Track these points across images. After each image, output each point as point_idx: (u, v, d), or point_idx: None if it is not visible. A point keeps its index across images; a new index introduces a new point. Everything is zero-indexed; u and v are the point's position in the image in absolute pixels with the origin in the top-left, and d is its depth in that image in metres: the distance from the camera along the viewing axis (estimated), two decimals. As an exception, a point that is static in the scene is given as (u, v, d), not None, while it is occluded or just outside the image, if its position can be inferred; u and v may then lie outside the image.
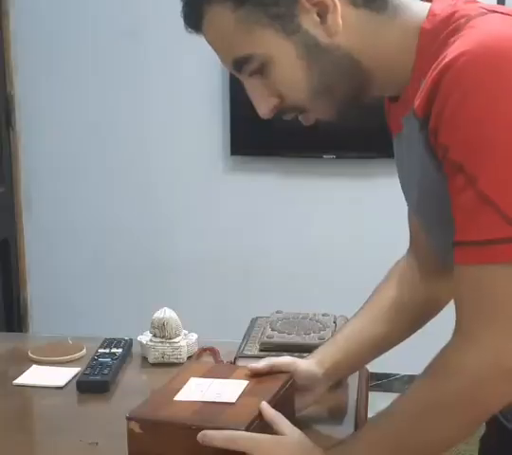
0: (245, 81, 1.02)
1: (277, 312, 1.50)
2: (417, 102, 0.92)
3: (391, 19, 0.98)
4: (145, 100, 3.29)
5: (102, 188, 3.39)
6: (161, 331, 1.47)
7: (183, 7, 1.01)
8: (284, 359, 1.18)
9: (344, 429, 1.19)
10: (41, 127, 3.38)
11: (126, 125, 3.32)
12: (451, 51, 0.88)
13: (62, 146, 3.38)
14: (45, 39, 3.31)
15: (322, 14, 0.95)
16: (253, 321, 1.50)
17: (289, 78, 0.98)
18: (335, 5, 0.95)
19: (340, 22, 0.95)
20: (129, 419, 1.03)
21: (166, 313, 1.49)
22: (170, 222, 3.36)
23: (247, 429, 0.99)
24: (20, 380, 1.38)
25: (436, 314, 1.26)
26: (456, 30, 0.92)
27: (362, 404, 1.32)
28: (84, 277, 3.46)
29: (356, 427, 1.22)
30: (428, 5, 0.98)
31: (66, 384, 1.37)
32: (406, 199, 1.14)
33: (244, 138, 3.23)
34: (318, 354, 1.22)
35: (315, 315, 1.48)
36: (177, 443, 1.01)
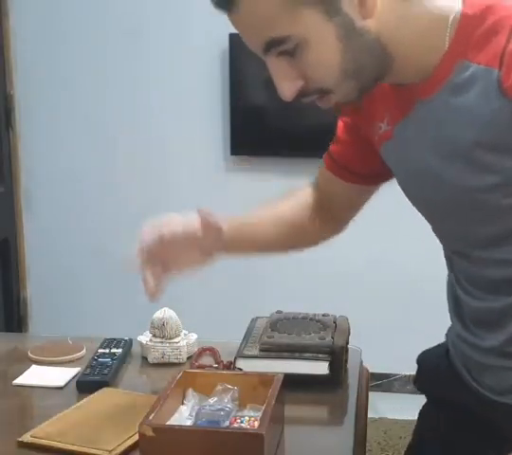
0: (269, 62, 1.01)
1: (277, 312, 1.49)
2: (509, 84, 0.93)
3: (416, 7, 1.00)
4: (145, 100, 3.29)
5: (102, 188, 3.39)
6: (161, 331, 1.47)
7: None
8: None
9: (344, 429, 1.19)
10: (41, 127, 3.38)
11: (126, 125, 3.32)
12: None
13: (62, 146, 3.38)
14: (45, 39, 3.30)
15: None
16: (253, 321, 1.50)
17: (323, 59, 0.99)
18: None
19: (378, 4, 0.97)
20: (140, 423, 1.02)
21: (166, 313, 1.49)
22: (170, 222, 3.35)
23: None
24: (20, 380, 1.38)
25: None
26: (508, 18, 0.95)
27: (362, 404, 1.32)
28: (84, 277, 3.46)
29: (357, 427, 1.22)
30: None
31: (66, 384, 1.37)
32: (407, 185, 1.16)
33: (244, 138, 3.23)
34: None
35: (315, 315, 1.47)
36: (190, 446, 1.01)
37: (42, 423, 1.17)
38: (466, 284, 1.16)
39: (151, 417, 1.04)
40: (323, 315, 1.47)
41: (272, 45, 0.98)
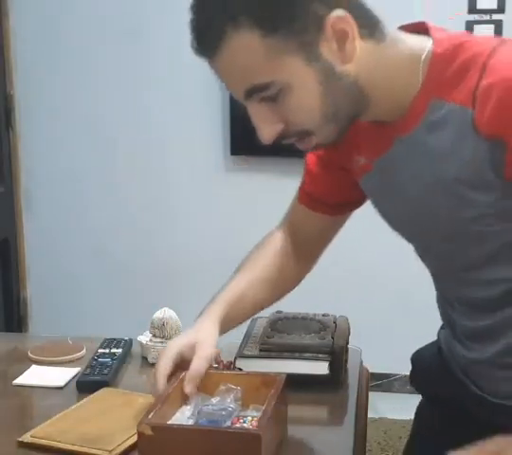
0: (250, 107, 1.03)
1: (277, 312, 1.49)
2: (483, 122, 0.96)
3: (390, 48, 1.04)
4: (145, 100, 3.29)
5: (102, 187, 3.39)
6: (161, 331, 1.47)
7: (197, 30, 1.02)
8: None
9: (344, 429, 1.19)
10: (41, 127, 3.38)
11: (126, 125, 3.32)
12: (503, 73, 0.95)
13: (62, 146, 3.38)
14: (44, 39, 3.31)
15: (341, 42, 0.99)
16: (253, 321, 1.50)
17: (305, 104, 1.01)
18: (353, 34, 0.99)
19: (357, 50, 1.00)
20: (139, 422, 1.03)
21: (166, 313, 1.49)
22: (170, 222, 3.35)
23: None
24: (20, 380, 1.38)
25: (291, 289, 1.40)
26: (479, 56, 0.99)
27: (362, 404, 1.32)
28: (84, 277, 3.46)
29: (357, 427, 1.22)
30: (422, 36, 1.06)
31: (66, 384, 1.37)
32: (390, 220, 1.20)
33: (244, 138, 3.23)
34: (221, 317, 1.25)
35: (315, 315, 1.47)
36: (188, 445, 1.01)
37: (42, 423, 1.17)
38: (453, 302, 1.19)
39: (150, 416, 1.04)
40: (323, 315, 1.47)
41: (254, 91, 1.01)
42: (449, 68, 1.01)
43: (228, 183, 3.29)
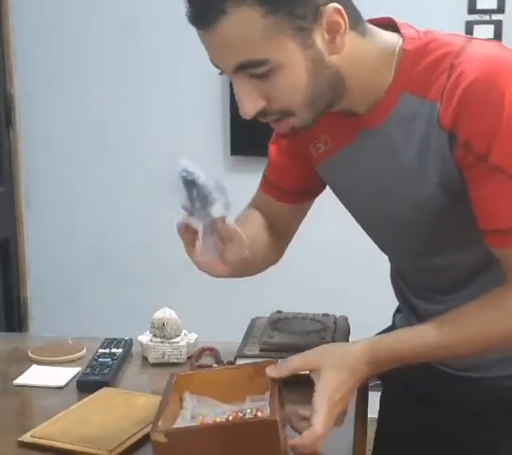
0: (237, 81, 1.06)
1: (277, 312, 1.50)
2: (446, 118, 1.04)
3: (368, 42, 1.09)
4: (145, 100, 3.29)
5: (102, 187, 3.39)
6: (161, 331, 1.47)
7: (196, 2, 1.01)
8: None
9: (344, 429, 1.19)
10: (41, 127, 3.38)
11: (126, 124, 3.32)
12: (468, 73, 1.02)
13: (62, 146, 3.38)
14: (44, 38, 3.30)
15: (332, 34, 1.03)
16: (253, 321, 1.50)
17: (292, 85, 1.04)
18: (345, 26, 1.03)
19: (346, 43, 1.04)
20: (152, 430, 1.01)
21: (166, 313, 1.49)
22: (170, 222, 3.34)
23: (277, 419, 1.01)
24: (20, 380, 1.38)
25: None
26: (448, 55, 1.05)
27: (362, 404, 1.32)
28: (84, 277, 3.46)
29: (357, 427, 1.22)
30: (392, 33, 1.11)
31: (66, 384, 1.37)
32: (348, 204, 1.28)
33: (244, 138, 3.23)
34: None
35: (315, 315, 1.48)
36: (205, 445, 1.00)
37: (42, 423, 1.17)
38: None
39: (160, 423, 1.03)
40: (323, 315, 1.48)
41: (246, 66, 1.03)
42: (419, 65, 1.08)
43: (228, 183, 3.26)
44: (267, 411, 1.05)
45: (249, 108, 1.06)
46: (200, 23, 1.02)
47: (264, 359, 1.32)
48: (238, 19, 0.99)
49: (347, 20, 1.03)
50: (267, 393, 1.11)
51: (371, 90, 1.10)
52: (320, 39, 1.03)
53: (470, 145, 1.03)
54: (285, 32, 1.00)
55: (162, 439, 0.99)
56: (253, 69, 1.03)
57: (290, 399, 1.17)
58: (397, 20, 1.14)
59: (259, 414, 1.08)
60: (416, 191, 1.12)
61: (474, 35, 2.98)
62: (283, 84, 1.04)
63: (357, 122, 1.14)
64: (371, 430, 1.38)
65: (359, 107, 1.13)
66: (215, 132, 3.25)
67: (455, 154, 1.05)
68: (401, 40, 1.10)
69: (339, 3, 1.02)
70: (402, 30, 1.11)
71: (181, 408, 1.14)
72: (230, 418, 1.10)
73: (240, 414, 1.10)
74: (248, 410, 1.11)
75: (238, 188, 3.63)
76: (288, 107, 1.07)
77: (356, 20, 1.06)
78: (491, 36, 2.98)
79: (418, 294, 1.30)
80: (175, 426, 1.09)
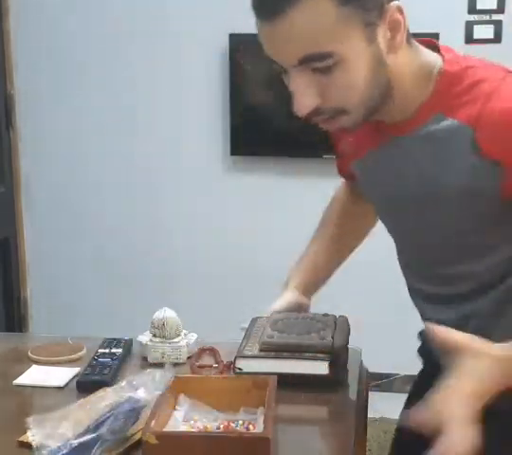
0: (296, 75, 1.04)
1: (277, 312, 1.49)
2: (486, 145, 1.05)
3: (414, 53, 1.10)
4: (146, 100, 3.29)
5: (102, 188, 3.39)
6: (161, 331, 1.47)
7: None
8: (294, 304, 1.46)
9: (344, 429, 1.19)
10: (41, 127, 3.38)
11: (126, 125, 3.32)
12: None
13: (62, 146, 3.38)
14: (44, 39, 3.31)
15: (393, 32, 1.04)
16: (253, 321, 1.50)
17: (352, 82, 1.04)
18: (405, 25, 1.04)
19: (404, 42, 1.05)
20: (143, 431, 1.02)
21: (166, 313, 1.49)
22: (170, 221, 3.35)
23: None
24: (20, 380, 1.38)
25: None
26: (486, 82, 1.07)
27: (362, 404, 1.32)
28: (84, 277, 3.46)
29: (356, 426, 1.22)
30: (436, 54, 1.13)
31: (66, 384, 1.37)
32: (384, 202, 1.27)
33: (244, 138, 3.23)
34: (300, 284, 1.53)
35: (315, 315, 1.47)
36: (195, 451, 1.00)
37: (42, 423, 1.17)
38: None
39: (152, 424, 1.03)
40: (323, 315, 1.47)
41: (311, 59, 1.01)
42: (457, 87, 1.09)
43: (227, 183, 3.29)
44: (261, 427, 1.05)
45: (306, 104, 1.04)
46: (270, 12, 0.99)
47: (265, 358, 1.32)
48: (312, 7, 0.98)
49: (406, 21, 1.04)
50: (261, 408, 1.11)
51: (407, 101, 1.11)
52: (382, 35, 1.03)
53: None
54: (355, 25, 1.00)
55: (153, 440, 1.00)
56: (317, 63, 1.01)
57: (290, 399, 1.17)
58: (439, 43, 1.15)
59: (250, 428, 1.09)
60: (430, 204, 1.14)
61: (474, 35, 2.98)
62: (343, 80, 1.03)
63: (389, 129, 1.15)
64: (371, 430, 1.38)
65: (392, 117, 1.13)
66: (215, 132, 3.25)
67: (505, 183, 1.06)
68: (441, 60, 1.11)
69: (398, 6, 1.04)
70: (443, 52, 1.13)
71: (174, 409, 1.14)
72: (221, 426, 1.10)
73: (232, 424, 1.11)
74: (240, 422, 1.11)
75: (238, 187, 3.62)
76: (344, 105, 1.06)
77: (407, 28, 1.07)
78: (491, 36, 2.98)
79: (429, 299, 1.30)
80: (167, 427, 1.09)
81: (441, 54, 1.13)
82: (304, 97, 1.04)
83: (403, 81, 1.09)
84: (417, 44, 1.12)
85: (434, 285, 1.26)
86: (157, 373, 1.15)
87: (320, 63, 1.01)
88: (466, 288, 1.20)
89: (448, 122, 1.09)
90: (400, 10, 1.03)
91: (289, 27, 0.99)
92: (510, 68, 1.13)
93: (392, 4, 1.03)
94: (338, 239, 1.57)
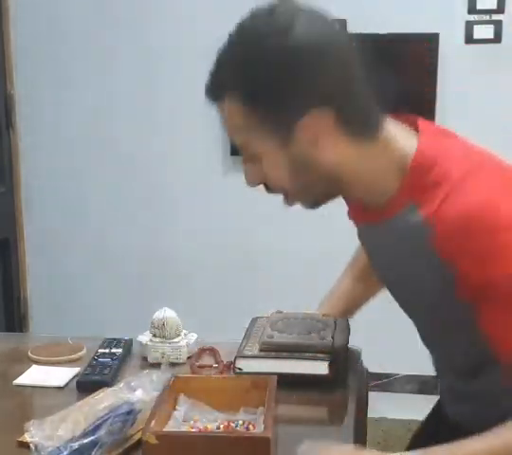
0: (242, 153, 1.12)
1: (277, 312, 1.50)
2: (440, 246, 1.02)
3: (379, 149, 1.07)
4: (145, 100, 3.29)
5: (102, 188, 3.39)
6: (161, 331, 1.47)
7: (208, 80, 1.09)
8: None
9: (344, 429, 1.19)
10: (41, 127, 3.38)
11: (126, 125, 3.32)
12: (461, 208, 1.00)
13: (62, 146, 3.38)
14: (45, 39, 3.30)
15: (318, 136, 1.04)
16: (253, 321, 1.50)
17: (275, 176, 1.09)
18: (331, 130, 1.03)
19: (332, 147, 1.05)
20: (143, 430, 1.02)
21: (166, 313, 1.49)
22: (169, 221, 3.35)
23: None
24: (20, 380, 1.38)
25: None
26: (443, 181, 1.03)
27: (362, 404, 1.32)
28: (84, 277, 3.46)
29: (356, 426, 1.22)
30: (413, 139, 1.08)
31: (66, 384, 1.37)
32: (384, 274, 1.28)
33: (244, 138, 3.23)
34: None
35: (315, 315, 1.47)
36: (195, 451, 1.01)
37: (42, 423, 1.17)
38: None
39: (152, 424, 1.03)
40: (323, 315, 1.48)
41: (239, 146, 1.10)
42: (425, 180, 1.05)
43: (227, 183, 3.29)
44: (261, 427, 1.06)
45: (249, 180, 1.13)
46: (209, 99, 1.10)
47: (265, 358, 1.33)
48: (228, 107, 1.06)
49: (336, 125, 1.03)
50: (261, 408, 1.11)
51: (375, 194, 1.10)
52: (303, 140, 1.04)
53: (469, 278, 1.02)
54: (263, 125, 1.04)
55: (153, 440, 1.00)
56: (243, 150, 1.09)
57: (290, 399, 1.17)
58: (422, 124, 1.11)
59: (250, 428, 1.09)
60: (402, 289, 1.20)
61: (474, 35, 2.98)
62: (267, 171, 1.08)
63: (365, 212, 1.16)
64: (371, 430, 1.38)
65: (367, 202, 1.13)
66: (215, 132, 3.24)
67: (456, 283, 1.04)
68: (415, 148, 1.07)
69: (333, 107, 1.02)
70: (420, 136, 1.09)
71: (174, 409, 1.14)
72: (221, 426, 1.10)
73: (232, 424, 1.11)
74: (240, 422, 1.11)
75: (237, 188, 3.64)
76: (283, 190, 1.11)
77: (362, 124, 1.06)
78: (491, 36, 2.98)
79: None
80: (167, 427, 1.09)
81: (418, 141, 1.08)
82: (247, 174, 1.12)
83: (360, 177, 1.08)
84: (392, 137, 1.08)
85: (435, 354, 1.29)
86: (155, 373, 1.15)
87: (245, 152, 1.09)
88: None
89: (416, 218, 1.05)
90: (317, 120, 1.02)
91: (222, 115, 1.10)
92: (483, 157, 1.09)
93: (312, 111, 1.02)
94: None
